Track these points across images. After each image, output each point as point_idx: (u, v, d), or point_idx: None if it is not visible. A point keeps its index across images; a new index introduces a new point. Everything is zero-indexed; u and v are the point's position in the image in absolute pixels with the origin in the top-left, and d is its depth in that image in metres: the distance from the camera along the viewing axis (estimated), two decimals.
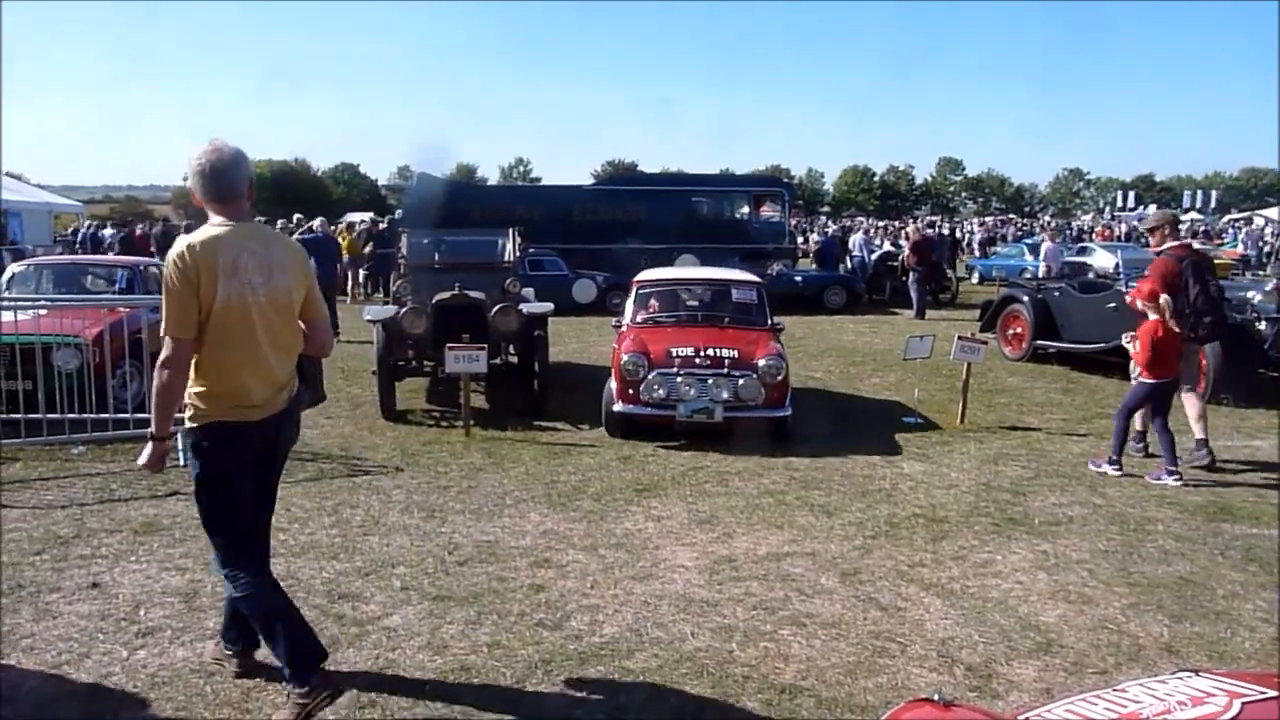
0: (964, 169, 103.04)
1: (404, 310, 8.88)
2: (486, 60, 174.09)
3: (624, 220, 21.05)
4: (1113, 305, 11.23)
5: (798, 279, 19.67)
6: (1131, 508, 6.27)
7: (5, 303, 8.29)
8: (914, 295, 17.99)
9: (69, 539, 5.37)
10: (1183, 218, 52.08)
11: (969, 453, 7.67)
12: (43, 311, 8.11)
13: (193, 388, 3.38)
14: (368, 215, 31.76)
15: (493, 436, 8.06)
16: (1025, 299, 12.73)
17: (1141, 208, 60.59)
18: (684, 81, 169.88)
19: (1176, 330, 6.84)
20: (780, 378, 7.74)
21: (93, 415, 7.35)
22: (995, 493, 6.57)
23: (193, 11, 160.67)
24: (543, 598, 4.65)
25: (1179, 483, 6.75)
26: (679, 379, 7.66)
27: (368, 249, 21.08)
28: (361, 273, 21.25)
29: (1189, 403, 7.37)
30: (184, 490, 6.32)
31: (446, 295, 8.93)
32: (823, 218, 55.87)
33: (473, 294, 9.01)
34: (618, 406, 7.84)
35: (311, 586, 4.74)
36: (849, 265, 22.60)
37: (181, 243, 3.33)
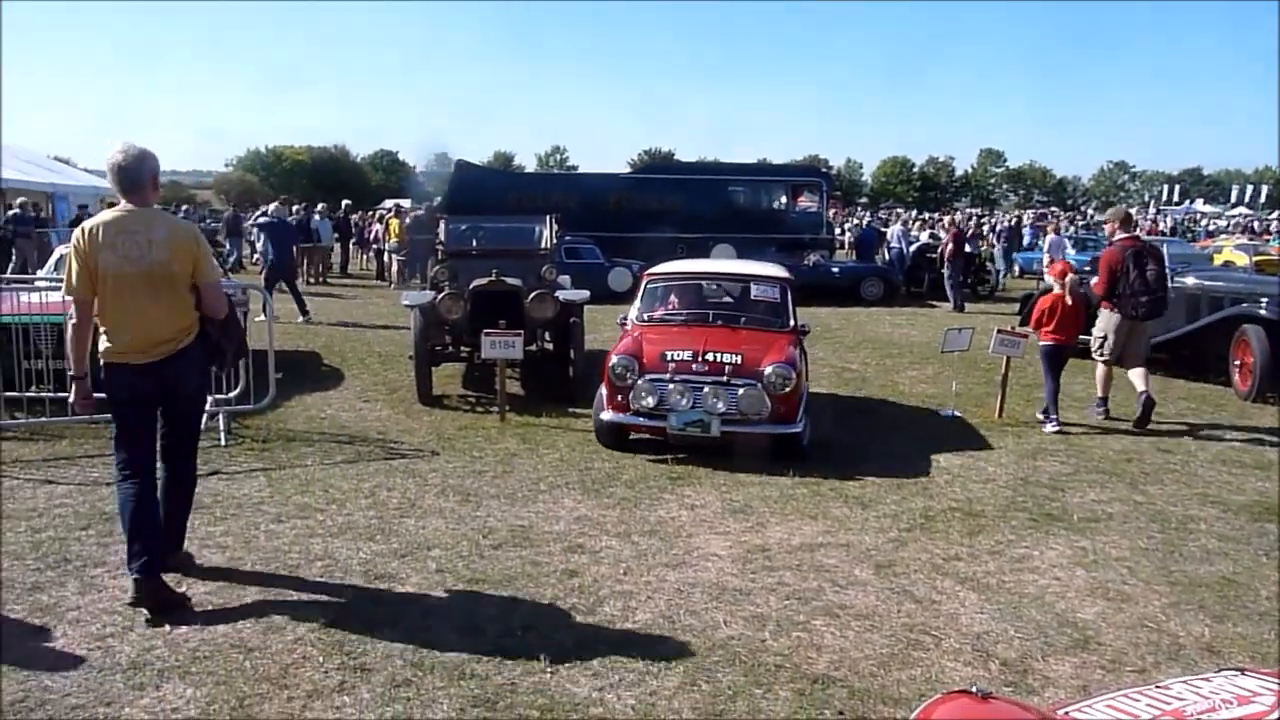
0: (1005, 160, 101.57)
1: (441, 296, 8.93)
2: (519, 47, 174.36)
3: (661, 209, 21.03)
4: None
5: (835, 270, 19.55)
6: (1173, 506, 6.17)
7: (51, 283, 8.46)
8: (948, 288, 17.80)
9: (114, 515, 5.43)
10: (1230, 213, 51.11)
11: (1007, 447, 7.58)
12: None
13: (100, 336, 4.24)
14: (394, 203, 31.98)
15: (528, 422, 8.09)
16: None
17: (1188, 202, 59.46)
18: (717, 71, 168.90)
19: (1071, 304, 8.25)
20: (789, 389, 6.80)
21: None
22: (1033, 488, 6.50)
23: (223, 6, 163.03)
24: (576, 583, 4.68)
25: (1056, 429, 8.04)
26: (671, 386, 6.82)
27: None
28: (397, 259, 21.44)
29: (1102, 370, 8.64)
30: (225, 470, 6.43)
31: (484, 281, 8.98)
32: (860, 209, 55.34)
33: (510, 281, 9.05)
34: (605, 414, 7.12)
35: (349, 567, 4.80)
36: (886, 257, 22.40)
37: (83, 223, 4.22)
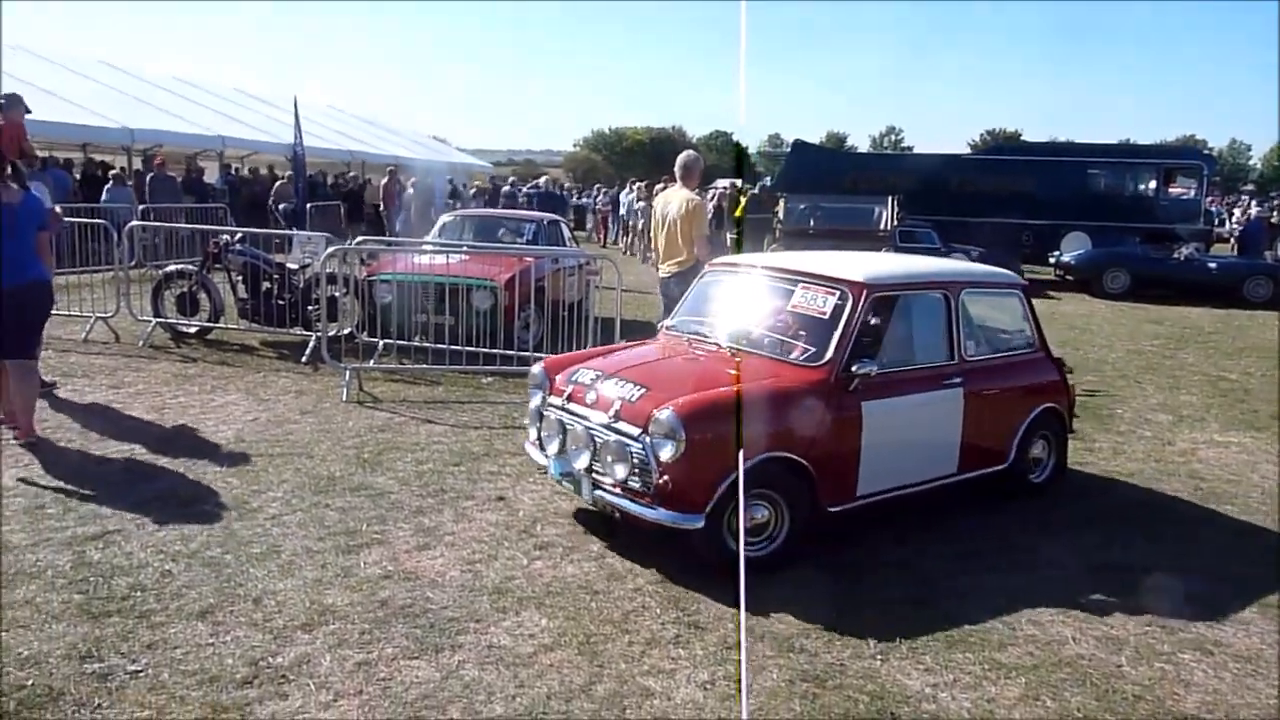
0: None
1: None
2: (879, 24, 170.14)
3: (1005, 193, 19.77)
4: None
5: (1211, 265, 17.23)
6: None
7: (437, 248, 9.58)
8: None
9: (480, 455, 6.12)
10: None
11: None
12: (465, 257, 9.26)
13: None
14: (728, 182, 32.50)
15: None
16: None
17: None
18: (1061, 45, 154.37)
19: None
20: (674, 454, 4.26)
21: (500, 350, 8.28)
22: None
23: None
24: (909, 575, 4.54)
25: None
26: (551, 418, 5.02)
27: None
28: (729, 234, 21.91)
29: None
30: None
31: None
32: (1247, 196, 48.26)
33: None
34: (526, 444, 5.46)
35: None
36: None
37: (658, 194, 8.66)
